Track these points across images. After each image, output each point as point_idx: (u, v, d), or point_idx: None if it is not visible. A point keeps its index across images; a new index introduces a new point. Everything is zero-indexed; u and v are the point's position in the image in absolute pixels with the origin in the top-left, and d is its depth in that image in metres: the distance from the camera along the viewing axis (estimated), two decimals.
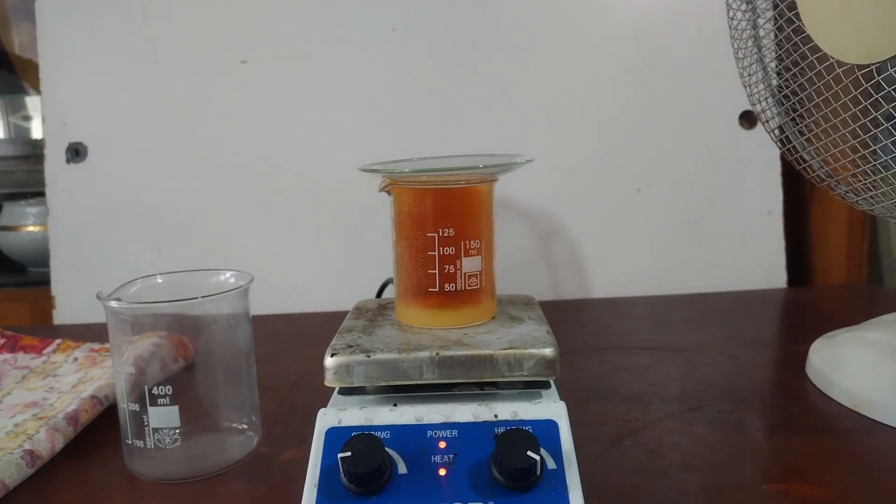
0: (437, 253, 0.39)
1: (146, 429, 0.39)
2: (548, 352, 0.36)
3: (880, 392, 0.45)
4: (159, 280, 0.43)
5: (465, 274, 0.40)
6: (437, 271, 0.39)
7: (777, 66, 0.50)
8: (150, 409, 0.38)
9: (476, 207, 0.40)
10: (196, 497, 0.38)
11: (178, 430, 0.39)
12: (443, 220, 0.39)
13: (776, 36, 0.51)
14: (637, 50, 0.80)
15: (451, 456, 0.33)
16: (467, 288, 0.40)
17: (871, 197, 0.46)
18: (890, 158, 0.43)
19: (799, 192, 0.86)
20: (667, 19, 0.80)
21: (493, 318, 0.42)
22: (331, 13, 0.79)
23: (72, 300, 0.78)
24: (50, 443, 0.42)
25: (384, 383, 0.36)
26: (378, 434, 0.33)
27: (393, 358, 0.35)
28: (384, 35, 0.79)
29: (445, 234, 0.39)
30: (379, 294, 0.64)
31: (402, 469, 0.32)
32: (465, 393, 0.37)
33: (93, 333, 0.62)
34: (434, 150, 0.79)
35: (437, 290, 0.40)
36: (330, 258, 0.80)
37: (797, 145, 0.51)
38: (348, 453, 0.31)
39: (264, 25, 0.78)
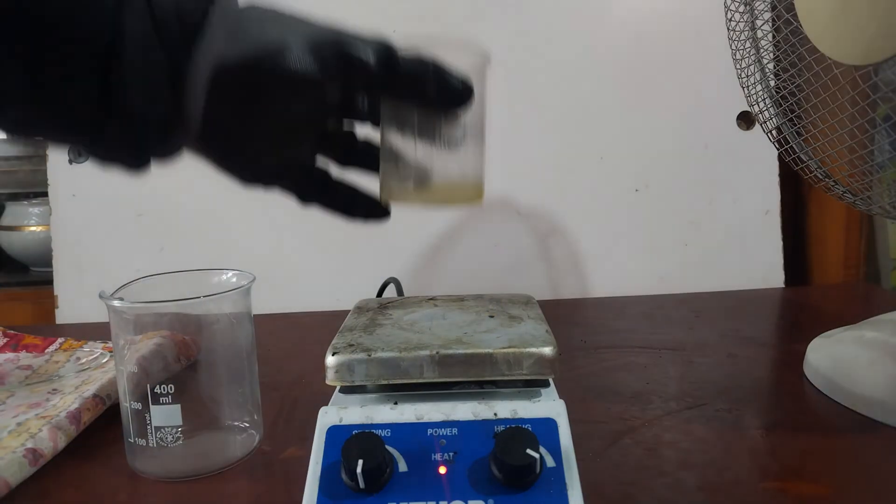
0: None
1: (148, 427, 0.39)
2: (547, 350, 0.36)
3: (877, 391, 0.45)
4: (161, 279, 0.43)
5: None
6: None
7: (775, 67, 0.50)
8: (153, 408, 0.39)
9: None
10: (198, 495, 0.38)
11: (180, 429, 0.39)
12: None
13: (774, 37, 0.51)
14: (637, 50, 0.80)
15: (451, 454, 0.33)
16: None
17: (868, 197, 0.46)
18: (887, 159, 0.43)
19: (796, 192, 0.86)
20: (666, 19, 0.80)
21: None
22: (330, 13, 0.78)
23: (74, 300, 0.79)
24: (52, 441, 0.42)
25: (385, 382, 0.36)
26: (378, 432, 0.33)
27: (393, 357, 0.36)
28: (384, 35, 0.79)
29: None
30: (379, 294, 0.64)
31: (402, 467, 0.32)
32: (465, 391, 0.37)
33: (95, 333, 0.62)
34: None
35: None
36: (330, 258, 0.80)
37: (795, 146, 0.51)
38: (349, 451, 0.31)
39: None
